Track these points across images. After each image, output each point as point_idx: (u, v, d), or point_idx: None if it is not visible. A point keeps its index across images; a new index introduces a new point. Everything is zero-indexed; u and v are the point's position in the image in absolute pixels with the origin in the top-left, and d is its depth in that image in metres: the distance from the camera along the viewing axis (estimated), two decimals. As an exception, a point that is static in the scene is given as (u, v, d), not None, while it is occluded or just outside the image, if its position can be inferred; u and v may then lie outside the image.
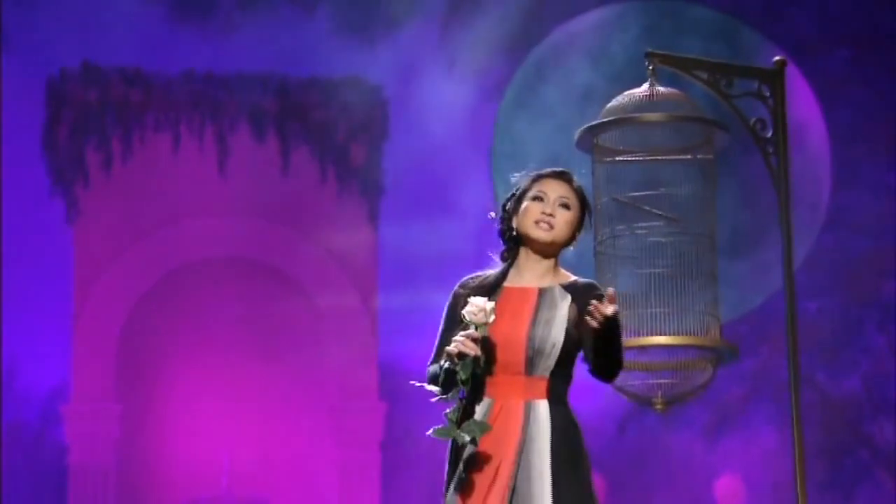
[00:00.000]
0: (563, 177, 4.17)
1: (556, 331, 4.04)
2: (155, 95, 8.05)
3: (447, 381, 3.94)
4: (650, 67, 5.74)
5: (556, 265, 4.16)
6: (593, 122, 5.73)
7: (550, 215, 4.09)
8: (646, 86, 5.74)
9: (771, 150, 5.74)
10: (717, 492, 8.06)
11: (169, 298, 8.12)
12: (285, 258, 8.38)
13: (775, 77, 5.78)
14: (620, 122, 5.69)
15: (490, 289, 4.10)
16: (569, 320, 4.06)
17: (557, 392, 4.06)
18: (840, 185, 8.21)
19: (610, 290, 3.89)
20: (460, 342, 3.93)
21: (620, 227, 5.68)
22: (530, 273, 4.14)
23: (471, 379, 3.94)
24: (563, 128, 7.28)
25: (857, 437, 7.97)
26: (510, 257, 4.17)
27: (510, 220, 4.15)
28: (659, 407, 5.59)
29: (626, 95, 5.75)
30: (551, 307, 4.07)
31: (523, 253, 4.15)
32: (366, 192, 8.38)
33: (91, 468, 7.83)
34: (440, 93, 8.25)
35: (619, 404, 7.25)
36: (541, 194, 4.12)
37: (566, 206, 4.12)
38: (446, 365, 3.93)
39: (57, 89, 7.95)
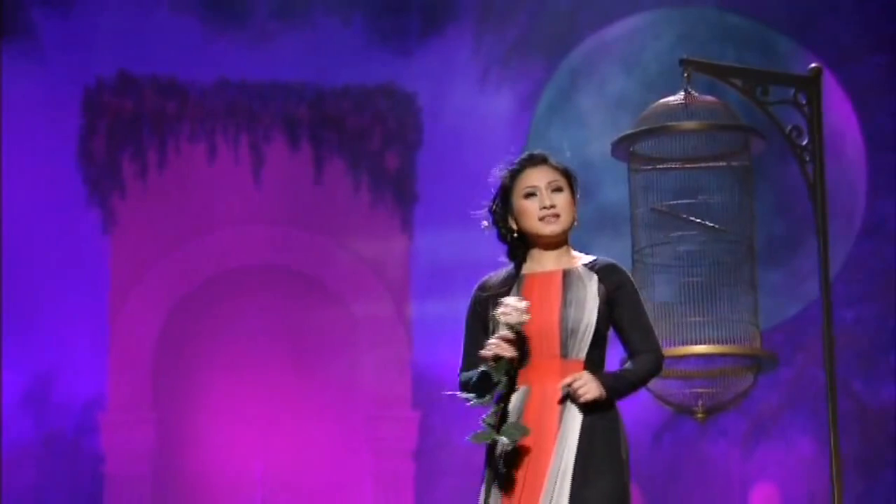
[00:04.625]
0: (540, 161, 4.08)
1: (589, 311, 3.98)
2: (190, 105, 8.05)
3: (483, 384, 3.91)
4: (685, 75, 5.77)
5: (569, 246, 4.10)
6: (630, 131, 5.76)
7: (552, 206, 4.02)
8: (681, 93, 5.77)
9: (807, 157, 5.73)
10: (753, 501, 8.01)
11: (204, 307, 8.11)
12: (319, 266, 8.35)
13: (811, 84, 5.78)
14: (657, 130, 5.72)
15: (510, 280, 4.02)
16: (599, 299, 4.00)
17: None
18: (877, 194, 8.16)
19: (566, 381, 3.90)
20: (494, 344, 3.87)
21: (658, 236, 5.71)
22: (547, 259, 4.07)
23: (507, 381, 3.90)
24: (597, 135, 7.44)
25: (895, 448, 7.88)
26: (519, 255, 4.07)
27: (504, 221, 4.06)
28: (700, 416, 5.60)
29: (662, 103, 5.80)
30: (579, 287, 4.02)
31: (534, 248, 4.05)
32: (399, 201, 8.35)
33: (126, 477, 7.83)
34: (474, 101, 8.25)
35: (655, 413, 7.23)
36: (531, 189, 4.03)
37: (559, 189, 4.05)
38: (482, 368, 3.89)
39: (93, 99, 7.95)
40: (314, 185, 8.29)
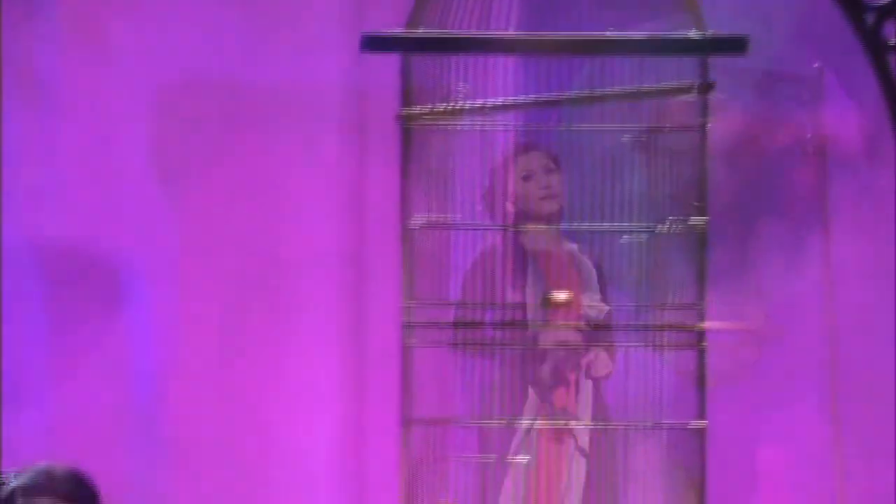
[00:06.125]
0: (531, 148, 4.33)
1: (596, 287, 4.31)
2: (249, 103, 8.45)
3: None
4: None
5: (558, 228, 4.39)
6: (645, 125, 6.20)
7: (548, 186, 4.24)
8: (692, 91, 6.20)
9: (810, 150, 6.42)
10: (760, 458, 8.18)
11: (263, 285, 8.51)
12: (368, 249, 8.70)
13: (814, 82, 6.44)
14: (670, 125, 6.19)
15: (518, 253, 4.29)
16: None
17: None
18: (875, 183, 8.02)
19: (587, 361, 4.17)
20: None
21: (671, 220, 5.88)
22: (541, 238, 4.35)
23: None
24: (615, 131, 7.12)
25: (892, 414, 7.93)
26: (510, 234, 4.37)
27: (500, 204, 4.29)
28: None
29: (675, 101, 6.29)
30: (583, 265, 4.32)
31: (528, 228, 4.35)
32: (440, 188, 8.21)
33: (193, 440, 8.24)
34: (505, 98, 8.07)
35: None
36: (526, 172, 4.29)
37: (551, 171, 4.31)
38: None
39: (161, 99, 8.31)
40: (360, 175, 8.65)
